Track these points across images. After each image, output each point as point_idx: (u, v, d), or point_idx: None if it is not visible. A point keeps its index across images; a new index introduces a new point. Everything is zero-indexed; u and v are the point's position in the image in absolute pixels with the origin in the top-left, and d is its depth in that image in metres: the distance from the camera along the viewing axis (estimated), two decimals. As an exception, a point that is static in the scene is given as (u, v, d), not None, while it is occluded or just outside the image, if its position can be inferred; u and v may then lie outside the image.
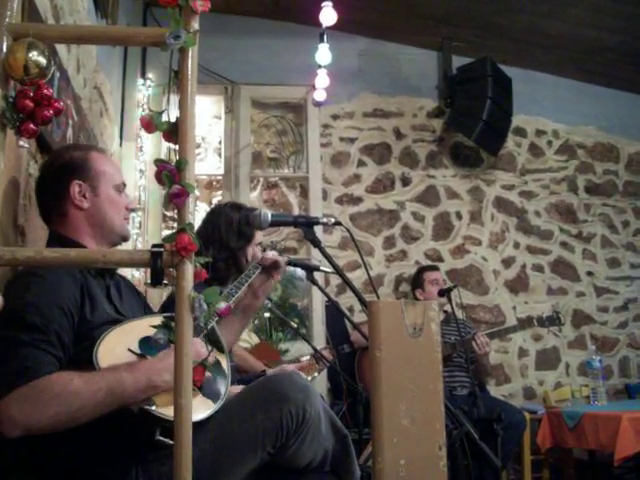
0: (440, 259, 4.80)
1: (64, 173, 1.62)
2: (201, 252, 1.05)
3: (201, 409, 1.42)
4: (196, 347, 1.33)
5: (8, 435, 1.26)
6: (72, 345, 1.42)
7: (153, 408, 1.35)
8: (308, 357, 3.35)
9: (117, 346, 1.42)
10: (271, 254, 2.11)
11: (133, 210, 1.76)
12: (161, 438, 1.36)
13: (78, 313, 1.46)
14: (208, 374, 1.27)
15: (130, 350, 1.43)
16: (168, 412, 1.32)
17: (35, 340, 1.34)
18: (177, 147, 1.04)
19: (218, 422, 1.46)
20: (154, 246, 1.04)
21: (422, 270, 4.36)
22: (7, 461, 1.43)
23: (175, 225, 1.04)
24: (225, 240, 2.41)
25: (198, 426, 1.28)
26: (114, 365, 1.37)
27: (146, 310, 1.79)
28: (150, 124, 1.07)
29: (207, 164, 4.92)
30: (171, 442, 1.29)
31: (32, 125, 1.08)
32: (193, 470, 0.98)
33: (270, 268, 2.09)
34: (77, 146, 1.88)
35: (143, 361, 1.40)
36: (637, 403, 4.40)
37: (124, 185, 1.72)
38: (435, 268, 4.36)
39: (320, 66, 4.23)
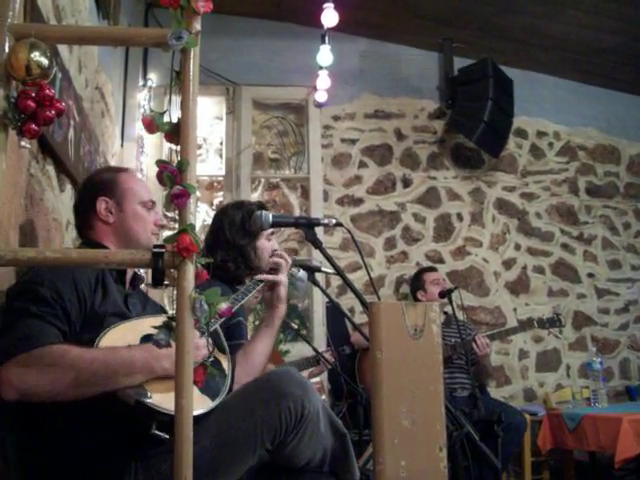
0: (441, 260, 4.79)
1: (93, 191, 1.75)
2: (204, 255, 1.05)
3: (198, 405, 1.42)
4: (197, 346, 1.33)
5: (5, 398, 1.31)
6: (80, 328, 1.46)
7: (149, 400, 1.36)
8: (317, 379, 3.34)
9: (119, 341, 1.45)
10: (278, 258, 2.14)
11: (162, 227, 1.84)
12: (157, 432, 1.36)
13: (90, 298, 1.51)
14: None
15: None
16: (164, 404, 1.34)
17: (43, 312, 1.40)
18: (178, 148, 1.05)
19: (218, 419, 1.48)
20: (155, 247, 1.04)
21: (422, 271, 4.34)
22: (10, 456, 1.45)
23: (176, 226, 1.04)
24: (231, 239, 2.36)
25: (198, 423, 1.28)
26: (114, 345, 1.42)
27: None
28: (152, 125, 1.08)
29: (208, 165, 4.91)
30: (166, 436, 1.30)
31: (34, 126, 1.08)
32: (193, 468, 0.98)
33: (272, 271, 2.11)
34: (108, 168, 2.07)
35: (143, 345, 1.44)
36: (638, 405, 4.40)
37: (152, 202, 1.79)
38: (434, 269, 4.35)
39: (321, 67, 4.23)
